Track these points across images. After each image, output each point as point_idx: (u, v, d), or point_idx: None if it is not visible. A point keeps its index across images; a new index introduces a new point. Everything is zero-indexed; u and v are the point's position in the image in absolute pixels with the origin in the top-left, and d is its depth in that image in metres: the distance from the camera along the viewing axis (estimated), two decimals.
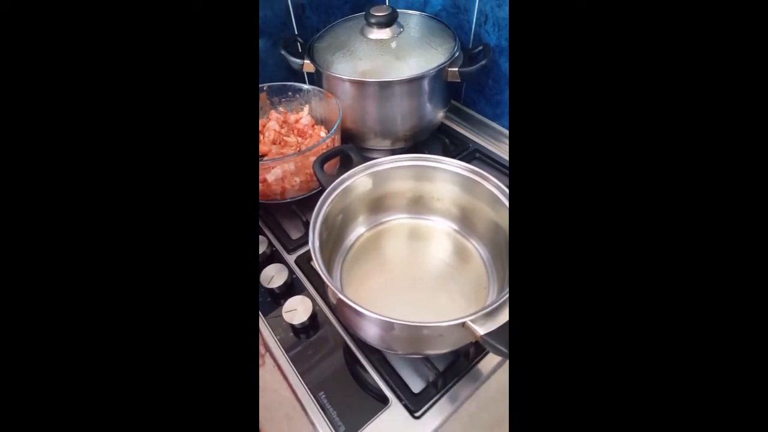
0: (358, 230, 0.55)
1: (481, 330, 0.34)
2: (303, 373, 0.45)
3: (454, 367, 0.44)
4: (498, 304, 0.35)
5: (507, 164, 0.68)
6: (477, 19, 0.66)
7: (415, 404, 0.42)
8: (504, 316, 0.35)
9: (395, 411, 0.42)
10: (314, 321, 0.49)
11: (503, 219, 0.47)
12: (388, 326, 0.37)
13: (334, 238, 0.50)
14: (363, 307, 0.35)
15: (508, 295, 0.36)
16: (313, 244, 0.41)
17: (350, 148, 0.51)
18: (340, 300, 0.37)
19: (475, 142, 0.73)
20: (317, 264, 0.39)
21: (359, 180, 0.49)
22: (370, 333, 0.40)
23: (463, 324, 0.34)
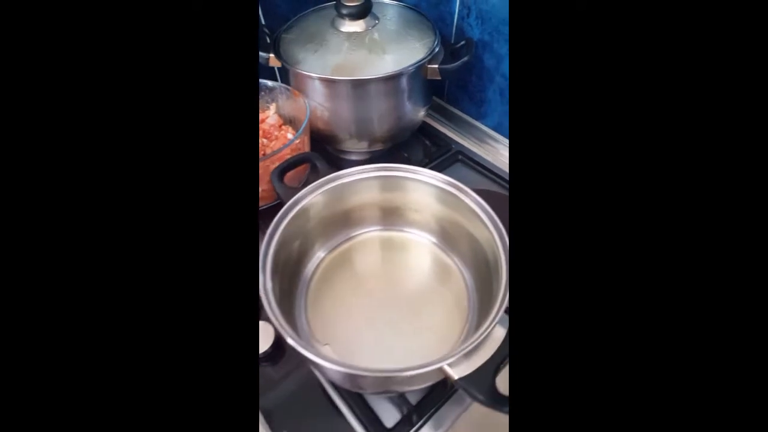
0: (322, 252, 0.49)
1: (456, 373, 0.30)
2: (264, 408, 0.40)
3: (431, 398, 0.40)
4: (477, 342, 0.31)
5: (491, 168, 0.63)
6: (459, 11, 0.61)
7: None
8: (483, 356, 0.31)
9: None
10: (277, 349, 0.44)
11: (482, 235, 0.42)
12: (355, 375, 0.32)
13: (293, 264, 0.44)
14: (326, 360, 0.31)
15: (485, 334, 0.32)
16: (265, 286, 0.35)
17: (314, 156, 0.45)
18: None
19: (458, 143, 0.68)
20: (271, 313, 0.33)
21: (317, 198, 0.43)
22: (337, 378, 0.35)
23: (440, 368, 0.30)
